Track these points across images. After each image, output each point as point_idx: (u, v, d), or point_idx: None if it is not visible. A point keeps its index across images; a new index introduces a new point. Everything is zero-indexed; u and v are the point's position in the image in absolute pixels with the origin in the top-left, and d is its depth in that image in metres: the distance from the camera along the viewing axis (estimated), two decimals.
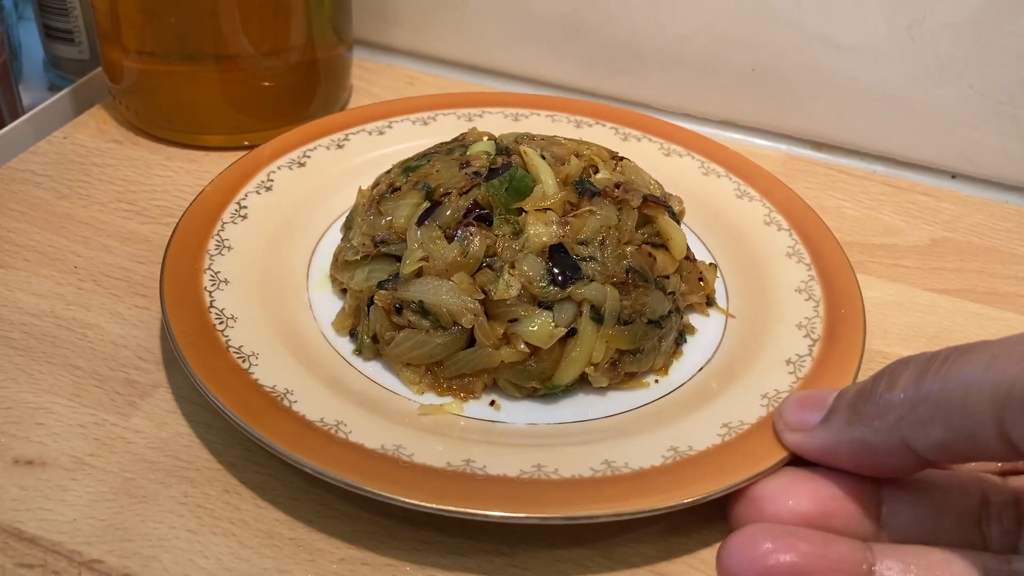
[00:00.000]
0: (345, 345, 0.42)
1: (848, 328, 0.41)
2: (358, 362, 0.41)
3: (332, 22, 0.56)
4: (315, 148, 0.51)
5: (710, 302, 0.45)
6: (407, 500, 0.32)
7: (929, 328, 0.47)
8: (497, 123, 0.54)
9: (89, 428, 0.38)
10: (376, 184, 0.45)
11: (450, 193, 0.41)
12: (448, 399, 0.39)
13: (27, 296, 0.44)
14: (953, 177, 0.59)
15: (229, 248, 0.43)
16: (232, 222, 0.45)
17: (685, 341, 0.43)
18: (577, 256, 0.39)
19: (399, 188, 0.43)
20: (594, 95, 0.63)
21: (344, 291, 0.43)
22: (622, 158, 0.46)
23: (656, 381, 0.41)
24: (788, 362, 0.40)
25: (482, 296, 0.39)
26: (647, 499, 0.33)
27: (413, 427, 0.37)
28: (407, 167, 0.44)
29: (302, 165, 0.49)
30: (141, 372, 0.41)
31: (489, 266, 0.39)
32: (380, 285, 0.40)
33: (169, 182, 0.52)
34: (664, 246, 0.42)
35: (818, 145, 0.61)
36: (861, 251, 0.52)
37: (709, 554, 0.35)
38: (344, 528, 0.35)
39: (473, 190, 0.41)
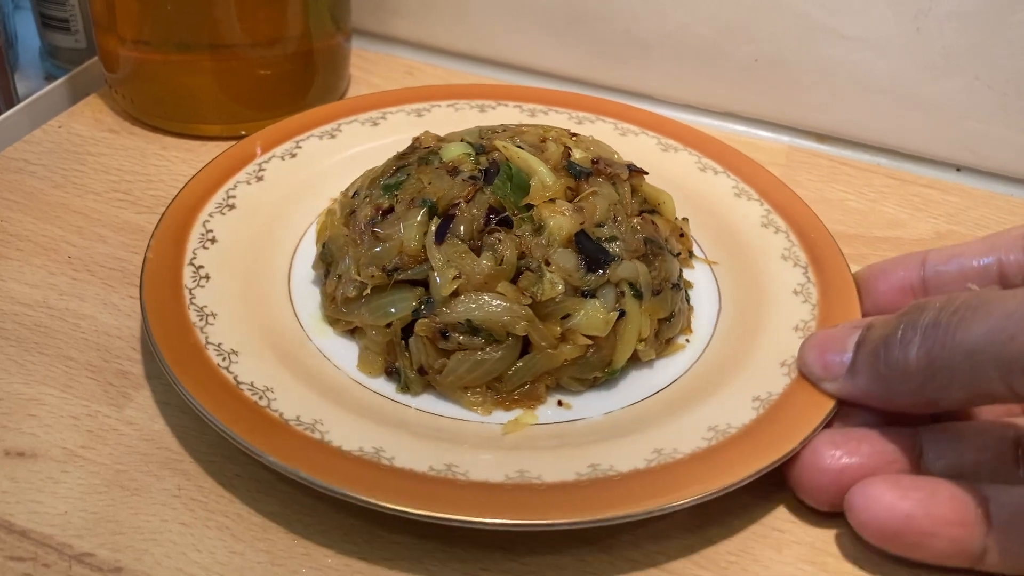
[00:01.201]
0: (381, 386, 0.39)
1: (828, 252, 0.44)
2: (404, 398, 0.39)
3: (330, 11, 0.56)
4: (270, 159, 0.49)
5: (690, 254, 0.46)
6: (567, 521, 0.32)
7: None
8: (445, 117, 0.53)
9: (81, 420, 0.37)
10: (350, 210, 0.43)
11: (458, 203, 0.39)
12: (518, 411, 0.39)
13: (20, 286, 0.43)
14: (958, 170, 0.58)
15: (207, 278, 0.41)
16: (203, 246, 0.42)
17: (689, 296, 0.44)
18: (599, 239, 0.39)
19: (390, 209, 0.41)
20: (596, 86, 0.63)
21: (352, 332, 0.41)
22: (575, 134, 0.46)
23: (687, 340, 0.42)
24: (795, 293, 0.42)
25: (530, 301, 0.38)
26: (767, 453, 0.34)
27: (523, 449, 0.36)
28: (385, 185, 0.42)
29: (260, 179, 0.47)
30: (134, 363, 0.40)
31: (527, 268, 0.38)
32: (415, 313, 0.39)
33: (165, 171, 0.52)
34: (656, 211, 0.44)
35: (821, 137, 0.60)
36: (864, 244, 0.51)
37: (712, 552, 0.35)
38: (340, 522, 0.35)
39: (478, 195, 0.40)
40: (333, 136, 0.51)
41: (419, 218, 0.39)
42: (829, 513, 0.36)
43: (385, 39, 0.66)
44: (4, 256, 0.45)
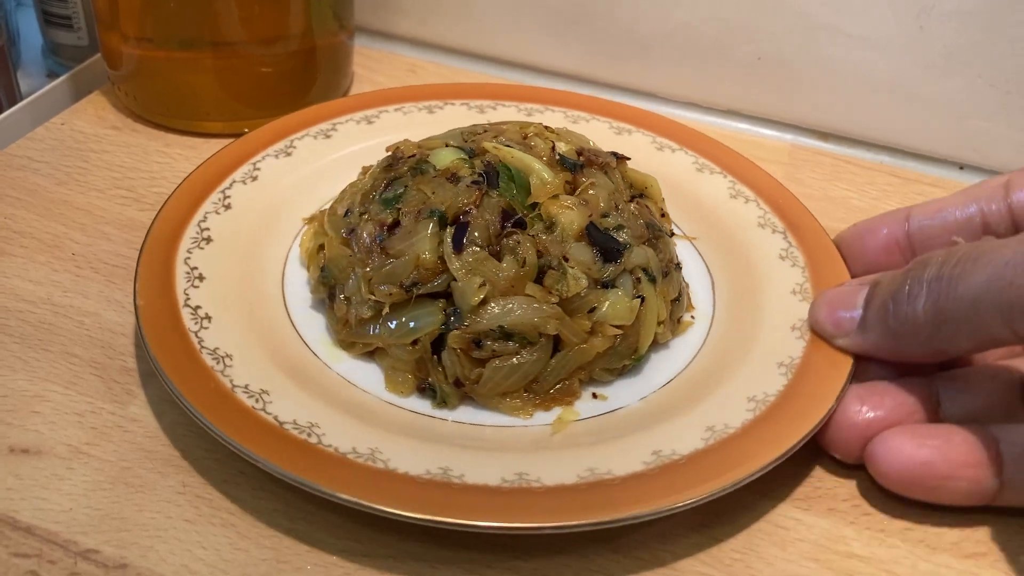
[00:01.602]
0: (414, 404, 0.38)
1: (801, 216, 0.46)
2: (441, 413, 0.38)
3: (333, 9, 0.56)
4: (231, 184, 0.47)
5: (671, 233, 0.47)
6: (651, 511, 0.32)
7: None
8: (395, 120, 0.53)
9: (86, 416, 0.37)
10: (347, 229, 0.41)
11: (468, 211, 0.39)
12: (557, 410, 0.38)
13: (24, 283, 0.43)
14: (961, 168, 0.58)
15: (209, 318, 0.39)
16: (192, 285, 0.41)
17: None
18: (607, 229, 0.40)
19: (395, 224, 0.40)
20: (598, 83, 0.63)
21: (369, 354, 0.40)
22: (548, 127, 0.45)
23: (692, 317, 0.43)
24: (781, 258, 0.44)
25: (557, 299, 0.38)
26: (809, 416, 0.35)
27: (579, 447, 0.36)
28: (384, 200, 0.41)
29: (228, 207, 0.45)
30: (138, 360, 0.40)
31: (548, 266, 0.38)
32: (444, 326, 0.38)
33: (168, 168, 0.52)
34: (644, 195, 0.45)
35: (824, 135, 0.60)
36: None
37: (717, 550, 0.35)
38: (343, 519, 0.34)
39: (486, 200, 0.39)
40: (288, 153, 0.49)
41: (431, 229, 0.39)
42: (832, 509, 0.36)
43: (388, 37, 0.66)
44: (8, 253, 0.45)
